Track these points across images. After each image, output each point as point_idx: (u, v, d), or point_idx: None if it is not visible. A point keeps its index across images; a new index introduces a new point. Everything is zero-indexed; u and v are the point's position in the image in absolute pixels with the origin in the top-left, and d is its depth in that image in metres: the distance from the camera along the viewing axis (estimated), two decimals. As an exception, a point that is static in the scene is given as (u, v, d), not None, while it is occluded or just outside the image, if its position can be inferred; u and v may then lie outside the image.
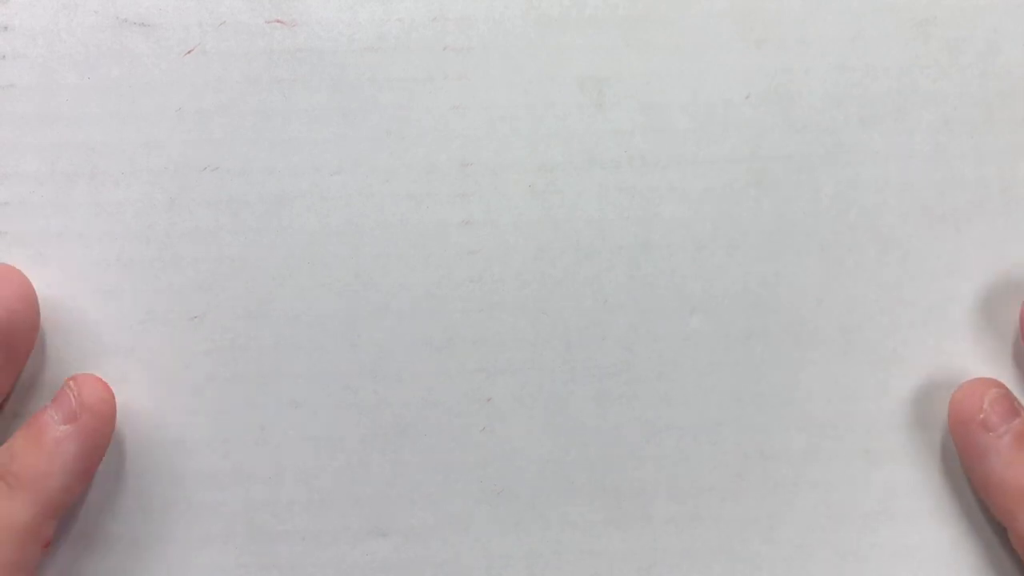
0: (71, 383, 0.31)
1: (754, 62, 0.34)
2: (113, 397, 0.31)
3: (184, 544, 0.32)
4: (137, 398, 0.33)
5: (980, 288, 0.33)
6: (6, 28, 0.33)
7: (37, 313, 0.32)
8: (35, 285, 0.32)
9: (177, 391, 0.33)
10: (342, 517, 0.33)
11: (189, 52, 0.33)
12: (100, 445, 0.31)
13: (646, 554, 0.33)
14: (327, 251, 0.33)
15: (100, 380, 0.31)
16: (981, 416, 0.31)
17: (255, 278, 0.33)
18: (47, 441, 0.30)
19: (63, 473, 0.30)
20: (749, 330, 0.33)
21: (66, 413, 0.30)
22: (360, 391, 0.33)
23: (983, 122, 0.34)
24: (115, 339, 0.33)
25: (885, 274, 0.33)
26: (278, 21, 0.33)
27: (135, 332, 0.33)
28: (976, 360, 0.33)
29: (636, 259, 0.33)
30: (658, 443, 0.33)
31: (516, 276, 0.33)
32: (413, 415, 0.33)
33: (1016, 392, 0.32)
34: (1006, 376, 0.33)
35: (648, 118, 0.34)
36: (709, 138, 0.34)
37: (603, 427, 0.33)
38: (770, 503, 0.33)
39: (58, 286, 0.33)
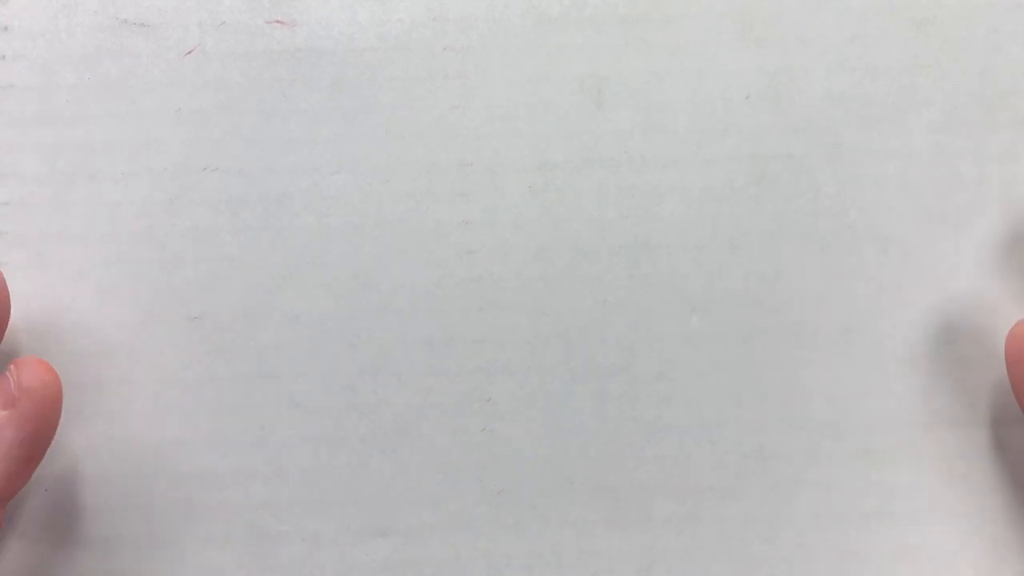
0: (12, 367, 0.29)
1: (754, 62, 0.34)
2: (57, 380, 0.30)
3: (184, 544, 0.32)
4: (137, 398, 0.33)
5: (980, 288, 0.33)
6: (6, 28, 0.33)
7: (8, 305, 0.31)
8: (34, 286, 0.32)
9: (177, 391, 0.33)
10: (342, 517, 0.33)
11: (189, 52, 0.33)
12: (41, 429, 0.29)
13: (646, 554, 0.33)
14: (327, 251, 0.33)
15: (43, 363, 0.30)
16: None
17: (255, 278, 0.33)
18: None
19: (3, 460, 0.29)
20: (749, 330, 0.33)
21: (4, 398, 0.29)
22: (360, 391, 0.33)
23: (983, 122, 0.34)
24: (115, 339, 0.33)
25: (885, 274, 0.33)
26: (278, 21, 0.33)
27: (135, 332, 0.33)
28: (975, 360, 0.33)
29: (636, 259, 0.33)
30: (658, 443, 0.33)
31: (516, 276, 0.33)
32: (413, 415, 0.33)
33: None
34: (1005, 376, 0.33)
35: (648, 118, 0.34)
36: (709, 138, 0.34)
37: (603, 427, 0.33)
38: (770, 503, 0.33)
39: (58, 286, 0.33)
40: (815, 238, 0.33)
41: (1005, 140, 0.34)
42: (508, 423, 0.33)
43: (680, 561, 0.33)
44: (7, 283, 0.31)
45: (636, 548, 0.33)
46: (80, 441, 0.32)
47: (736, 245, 0.33)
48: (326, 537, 0.33)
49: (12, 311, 0.31)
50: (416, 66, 0.33)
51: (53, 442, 0.31)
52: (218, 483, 0.33)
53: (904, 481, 0.33)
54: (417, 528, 0.33)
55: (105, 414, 0.33)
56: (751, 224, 0.34)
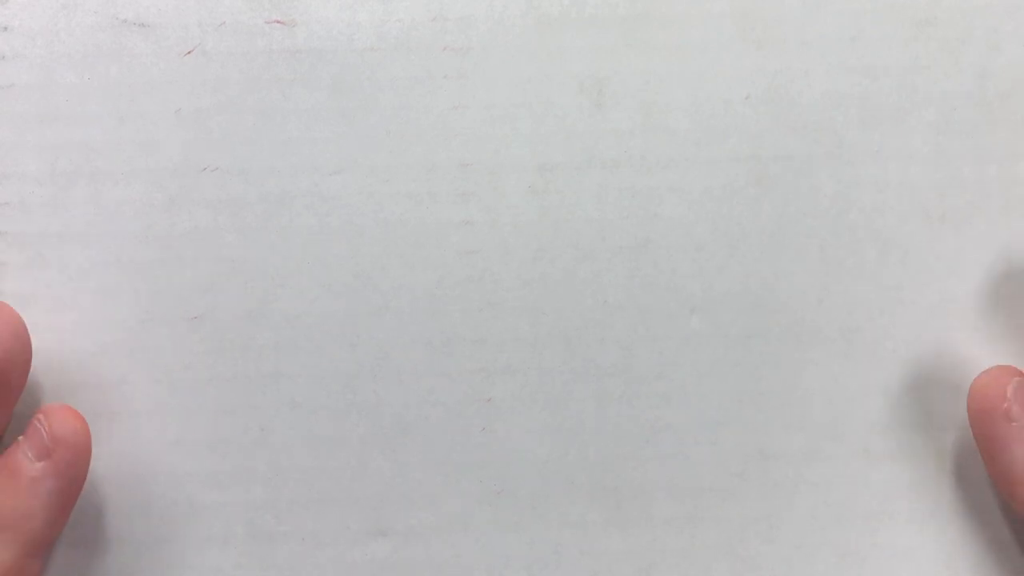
0: (40, 417, 0.30)
1: (754, 62, 0.34)
2: (86, 425, 0.30)
3: (184, 545, 0.32)
4: (137, 398, 0.33)
5: (980, 288, 0.33)
6: (6, 28, 0.33)
7: (30, 350, 0.31)
8: (34, 286, 0.32)
9: (177, 391, 0.33)
10: (342, 517, 0.33)
11: (188, 52, 0.33)
12: (77, 477, 0.30)
13: (646, 554, 0.33)
14: (327, 251, 0.33)
15: (71, 410, 0.30)
16: (1005, 405, 0.30)
17: (255, 278, 0.33)
18: (23, 480, 0.29)
19: (43, 511, 0.29)
20: (749, 330, 0.33)
21: (39, 449, 0.29)
22: (360, 391, 0.33)
23: (983, 122, 0.34)
24: (115, 339, 0.33)
25: (885, 274, 0.33)
26: (278, 21, 0.33)
27: (135, 332, 0.33)
28: (976, 360, 0.33)
29: (636, 259, 0.33)
30: (658, 443, 0.33)
31: (516, 276, 0.33)
32: (413, 415, 0.33)
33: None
34: (1006, 376, 0.33)
35: (648, 118, 0.34)
36: (709, 138, 0.34)
37: (603, 427, 0.33)
38: (770, 503, 0.33)
39: (58, 286, 0.33)
40: (815, 238, 0.33)
41: (1005, 140, 0.34)
42: (508, 423, 0.33)
43: (680, 561, 0.33)
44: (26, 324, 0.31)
45: (636, 548, 0.33)
46: (80, 441, 0.32)
47: (736, 245, 0.33)
48: (326, 537, 0.33)
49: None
50: (416, 66, 0.33)
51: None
52: (218, 483, 0.33)
53: (904, 481, 0.33)
54: (417, 528, 0.33)
55: (105, 414, 0.33)
56: (751, 224, 0.34)
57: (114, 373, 0.33)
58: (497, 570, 0.33)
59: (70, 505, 0.30)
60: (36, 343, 0.32)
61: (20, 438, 0.30)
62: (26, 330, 0.31)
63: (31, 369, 0.32)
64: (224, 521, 0.33)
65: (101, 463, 0.32)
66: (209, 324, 0.33)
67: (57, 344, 0.33)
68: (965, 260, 0.33)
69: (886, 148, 0.34)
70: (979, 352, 0.33)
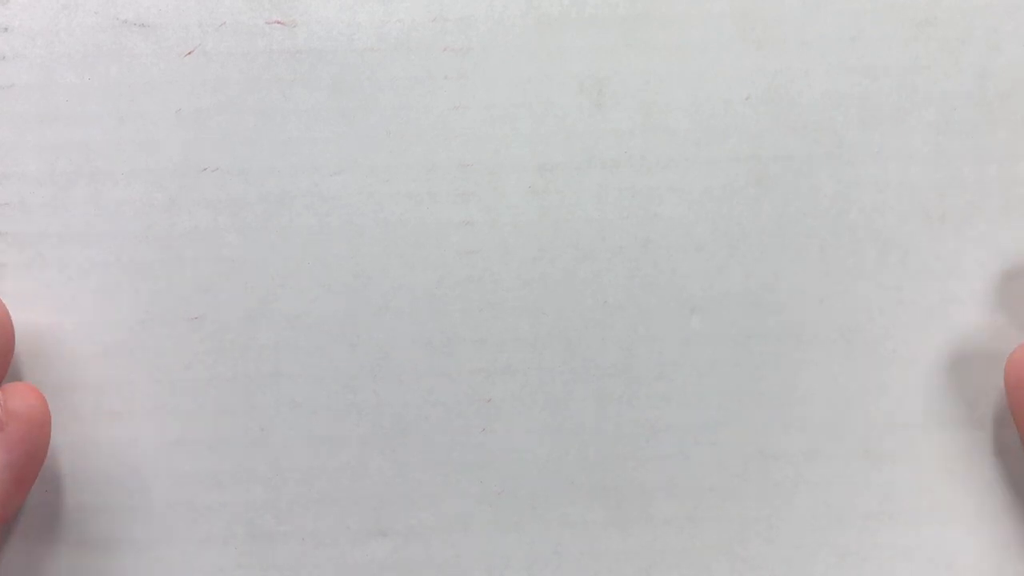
0: (0, 393, 0.30)
1: (754, 62, 0.34)
2: (45, 403, 0.30)
3: (184, 545, 0.33)
4: (137, 398, 0.33)
5: (980, 288, 0.33)
6: (6, 29, 0.33)
7: (13, 339, 0.31)
8: (34, 286, 0.32)
9: (177, 391, 0.33)
10: (342, 517, 0.33)
11: (189, 53, 0.33)
12: (33, 452, 0.30)
13: (646, 554, 0.33)
14: (327, 251, 0.33)
15: (30, 387, 0.30)
16: None
17: (255, 278, 0.33)
18: None
19: None
20: (749, 330, 0.33)
21: None
22: (360, 391, 0.33)
23: (983, 122, 0.34)
24: (115, 340, 0.33)
25: (885, 274, 0.33)
26: (278, 22, 0.33)
27: (135, 332, 0.33)
28: (976, 360, 0.33)
29: (636, 259, 0.33)
30: (658, 443, 0.33)
31: (516, 276, 0.33)
32: (413, 415, 0.33)
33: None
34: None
35: (648, 118, 0.34)
36: (709, 138, 0.34)
37: (603, 427, 0.33)
38: (770, 503, 0.33)
39: (58, 286, 0.33)
40: (815, 238, 0.33)
41: (1005, 140, 0.34)
42: (508, 423, 0.33)
43: (680, 561, 0.33)
44: (9, 313, 0.31)
45: (636, 548, 0.33)
46: (81, 441, 0.33)
47: (736, 245, 0.33)
48: (326, 537, 0.33)
49: (11, 313, 0.31)
50: (416, 66, 0.33)
51: (52, 443, 0.31)
52: (218, 483, 0.33)
53: (904, 481, 0.33)
54: (417, 528, 0.33)
55: (105, 414, 0.33)
56: (751, 224, 0.34)
57: (114, 373, 0.33)
58: (497, 570, 0.33)
59: (25, 481, 0.30)
60: (36, 344, 0.32)
61: None
62: (10, 320, 0.31)
63: (30, 371, 0.32)
64: (224, 521, 0.33)
65: (101, 463, 0.32)
66: (209, 324, 0.33)
67: (57, 344, 0.33)
68: (965, 260, 0.33)
69: (886, 148, 0.34)
70: (979, 352, 0.33)
